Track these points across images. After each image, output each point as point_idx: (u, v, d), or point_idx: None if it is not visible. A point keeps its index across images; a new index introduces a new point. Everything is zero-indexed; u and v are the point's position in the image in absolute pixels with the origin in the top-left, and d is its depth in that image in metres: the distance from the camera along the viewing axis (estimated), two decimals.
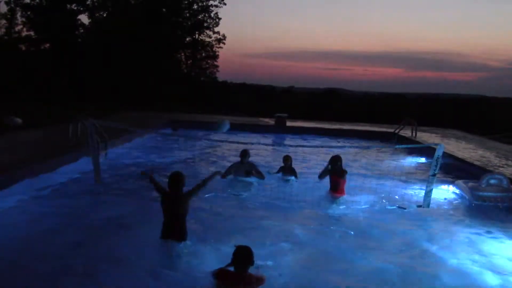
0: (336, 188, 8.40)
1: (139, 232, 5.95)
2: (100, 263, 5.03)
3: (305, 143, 15.49)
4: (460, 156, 12.29)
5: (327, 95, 39.21)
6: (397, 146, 14.13)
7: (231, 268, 4.47)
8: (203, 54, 37.65)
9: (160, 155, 12.26)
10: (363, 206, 7.93)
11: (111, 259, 5.15)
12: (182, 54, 37.83)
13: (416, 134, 16.29)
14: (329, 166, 8.50)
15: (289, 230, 6.53)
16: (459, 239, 6.51)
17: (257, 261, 4.56)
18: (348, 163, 8.76)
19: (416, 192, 8.98)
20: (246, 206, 7.78)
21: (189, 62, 38.17)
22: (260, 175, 9.30)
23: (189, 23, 36.70)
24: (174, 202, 5.56)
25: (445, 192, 9.19)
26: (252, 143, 10.65)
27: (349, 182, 8.56)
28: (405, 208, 7.88)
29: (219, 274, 4.43)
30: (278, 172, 9.80)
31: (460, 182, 9.32)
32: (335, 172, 8.38)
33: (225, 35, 36.84)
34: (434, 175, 7.85)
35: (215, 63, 37.83)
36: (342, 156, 8.62)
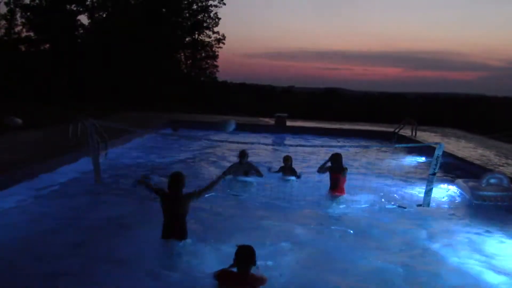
0: (336, 186, 8.40)
1: (139, 232, 5.95)
2: (100, 263, 5.03)
3: (305, 143, 15.49)
4: (460, 155, 12.30)
5: (327, 95, 39.15)
6: (397, 145, 14.15)
7: (234, 269, 4.47)
8: (203, 54, 37.64)
9: (160, 155, 12.26)
10: (363, 206, 7.93)
11: (111, 259, 5.15)
12: (182, 54, 37.82)
13: (416, 134, 16.30)
14: (330, 163, 8.49)
15: (289, 230, 6.52)
16: (459, 239, 6.50)
17: (257, 261, 4.55)
18: (348, 163, 8.76)
19: (416, 191, 8.98)
20: (246, 206, 7.78)
21: (188, 62, 38.16)
22: (259, 173, 9.33)
23: (189, 23, 36.69)
24: (174, 203, 5.55)
25: (445, 191, 9.19)
26: (252, 143, 10.65)
27: (349, 182, 8.56)
28: (405, 208, 7.88)
29: (221, 275, 4.42)
30: (278, 171, 9.80)
31: (460, 181, 9.32)
32: (335, 170, 8.37)
33: (225, 35, 36.88)
34: (434, 174, 7.85)
35: (215, 63, 37.87)
36: (342, 156, 8.62)
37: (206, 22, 36.59)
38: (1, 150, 9.85)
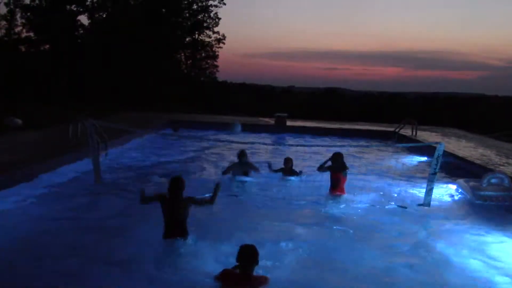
0: (336, 186, 8.38)
1: (139, 233, 5.94)
2: (100, 263, 5.02)
3: (305, 143, 15.48)
4: (460, 155, 12.28)
5: (327, 95, 39.18)
6: (397, 145, 14.14)
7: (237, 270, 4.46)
8: (203, 54, 37.61)
9: (160, 155, 12.25)
10: (364, 205, 7.91)
11: (111, 259, 5.14)
12: (182, 54, 37.81)
13: (416, 133, 16.29)
14: (330, 163, 8.47)
15: (289, 230, 6.51)
16: (460, 238, 6.49)
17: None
18: (349, 162, 8.73)
19: (417, 191, 8.96)
20: (246, 206, 7.78)
21: (189, 62, 38.15)
22: (256, 170, 9.42)
23: (189, 23, 36.67)
24: (174, 206, 5.58)
25: (446, 191, 9.18)
26: (253, 143, 10.65)
27: (350, 181, 8.55)
28: (405, 207, 7.86)
29: (224, 275, 4.41)
30: (278, 171, 9.79)
31: (461, 181, 9.30)
32: (336, 169, 8.36)
33: (225, 35, 36.87)
34: (434, 173, 7.85)
35: (215, 63, 37.84)
36: (343, 156, 8.61)
37: (206, 22, 36.58)
38: (1, 150, 9.84)
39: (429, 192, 7.92)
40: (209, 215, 6.88)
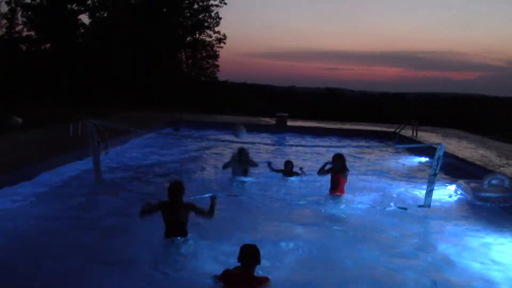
0: (336, 187, 8.37)
1: (139, 232, 5.93)
2: (100, 263, 5.02)
3: (305, 143, 15.48)
4: (461, 156, 12.28)
5: (327, 95, 39.19)
6: (397, 146, 14.13)
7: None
8: (204, 54, 37.61)
9: (161, 155, 12.26)
10: (364, 206, 7.90)
11: (111, 259, 5.14)
12: (183, 54, 37.81)
13: (417, 134, 16.28)
14: (329, 164, 8.47)
15: (289, 230, 6.51)
16: (460, 240, 6.47)
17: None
18: (349, 163, 8.73)
19: (417, 192, 8.96)
20: (246, 206, 7.78)
21: (189, 62, 38.15)
22: (256, 165, 9.47)
23: (190, 22, 36.66)
24: (174, 211, 5.59)
25: (447, 192, 9.17)
26: (253, 143, 10.64)
27: (350, 182, 8.54)
28: (406, 209, 7.84)
29: (225, 276, 4.40)
30: (278, 172, 9.79)
31: (461, 182, 9.29)
32: (337, 170, 8.35)
33: (226, 34, 36.86)
34: (435, 174, 7.83)
35: (216, 62, 37.84)
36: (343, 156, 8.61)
37: (207, 21, 36.56)
38: (1, 149, 9.84)
39: (429, 193, 7.90)
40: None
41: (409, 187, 9.47)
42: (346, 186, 8.45)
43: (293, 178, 9.62)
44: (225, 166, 9.56)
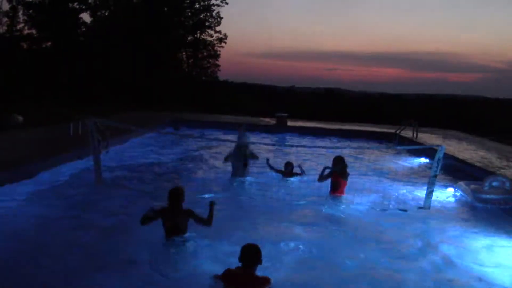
0: (336, 188, 8.38)
1: (139, 232, 5.92)
2: (100, 263, 5.02)
3: (305, 143, 15.48)
4: (461, 157, 12.28)
5: (328, 95, 39.19)
6: (397, 147, 14.14)
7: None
8: (205, 53, 37.63)
9: (161, 154, 12.26)
10: (364, 207, 7.90)
11: (111, 259, 5.14)
12: (184, 53, 37.81)
13: (417, 135, 16.28)
14: (328, 169, 8.47)
15: (289, 230, 6.51)
16: (460, 241, 6.47)
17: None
18: (349, 163, 8.73)
19: (417, 193, 8.95)
20: (246, 206, 7.77)
21: (190, 61, 38.15)
22: (256, 158, 9.51)
23: (191, 22, 36.67)
24: (173, 217, 5.59)
25: (447, 194, 9.17)
26: (253, 143, 10.63)
27: (350, 183, 8.53)
28: (406, 210, 7.83)
29: (226, 276, 4.40)
30: (278, 172, 9.80)
31: (462, 183, 9.30)
32: (337, 173, 8.35)
33: (227, 34, 36.87)
34: (435, 176, 7.84)
35: (216, 62, 37.86)
36: (343, 156, 8.61)
37: (208, 21, 36.57)
38: (2, 148, 9.84)
39: (429, 194, 7.91)
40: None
41: (409, 188, 9.47)
42: (346, 187, 8.46)
43: (293, 179, 9.63)
44: (226, 158, 9.63)
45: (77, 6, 33.04)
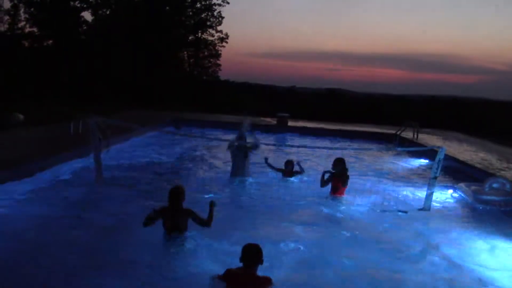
0: (336, 190, 8.40)
1: (139, 232, 5.92)
2: (100, 263, 5.02)
3: (306, 144, 15.48)
4: (461, 159, 12.28)
5: (329, 96, 39.11)
6: (399, 149, 14.13)
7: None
8: (206, 53, 37.61)
9: (162, 154, 12.27)
10: (364, 208, 7.89)
11: (111, 259, 5.14)
12: (185, 52, 37.79)
13: (417, 136, 16.28)
14: (327, 174, 8.47)
15: (289, 230, 6.51)
16: (460, 243, 6.47)
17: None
18: (349, 164, 8.74)
19: (417, 194, 8.95)
20: (246, 206, 7.78)
21: (191, 60, 38.13)
22: (255, 146, 9.42)
23: (192, 21, 36.65)
24: (173, 216, 5.60)
25: (447, 195, 9.17)
26: (254, 152, 10.64)
27: (350, 183, 8.53)
28: (406, 212, 7.82)
29: (227, 276, 4.40)
30: (278, 171, 9.80)
31: (462, 185, 9.30)
32: (337, 175, 8.35)
33: (228, 34, 36.85)
34: (435, 178, 7.83)
35: (218, 62, 37.84)
36: (343, 157, 8.61)
37: (209, 20, 36.54)
38: (2, 146, 9.84)
39: (429, 196, 7.91)
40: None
41: (409, 189, 9.46)
42: (346, 189, 8.46)
43: (293, 179, 9.63)
44: (229, 147, 9.53)
45: (79, 5, 33.02)
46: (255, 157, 10.21)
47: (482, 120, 28.59)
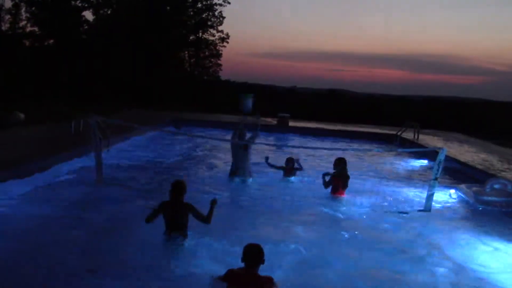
0: (336, 190, 8.40)
1: (140, 231, 5.91)
2: (100, 263, 5.01)
3: (307, 144, 15.47)
4: (462, 160, 12.26)
5: (330, 96, 39.10)
6: (400, 150, 14.11)
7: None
8: (207, 53, 37.63)
9: (162, 153, 12.27)
10: (365, 209, 7.88)
11: (110, 259, 5.13)
12: (186, 52, 37.80)
13: (418, 137, 16.27)
14: (328, 176, 8.48)
15: (289, 230, 6.50)
16: (461, 244, 6.46)
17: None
18: (350, 164, 8.73)
19: (418, 195, 8.94)
20: (246, 206, 7.77)
21: (192, 60, 38.14)
22: (255, 138, 9.40)
23: (193, 21, 36.66)
24: (174, 210, 5.60)
25: (447, 196, 9.15)
26: (254, 143, 10.63)
27: (350, 184, 8.53)
28: (406, 213, 7.81)
29: (229, 276, 4.40)
30: (279, 168, 9.79)
31: (463, 186, 9.29)
32: (337, 175, 8.35)
33: (229, 34, 36.86)
34: (436, 179, 7.82)
35: (218, 62, 37.86)
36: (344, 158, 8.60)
37: (210, 20, 36.56)
38: (3, 146, 9.84)
39: (430, 197, 7.89)
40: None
41: (410, 190, 9.46)
42: (346, 189, 8.46)
43: (293, 178, 9.63)
44: (232, 138, 9.51)
45: (80, 4, 33.06)
46: (255, 157, 10.22)
47: (483, 120, 28.59)
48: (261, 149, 11.14)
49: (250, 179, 9.29)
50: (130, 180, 8.94)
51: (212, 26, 36.62)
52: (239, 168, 9.27)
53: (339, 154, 8.92)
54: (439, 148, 8.04)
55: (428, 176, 9.47)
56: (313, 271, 5.24)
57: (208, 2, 35.96)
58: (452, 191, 9.41)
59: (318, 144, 15.46)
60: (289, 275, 4.99)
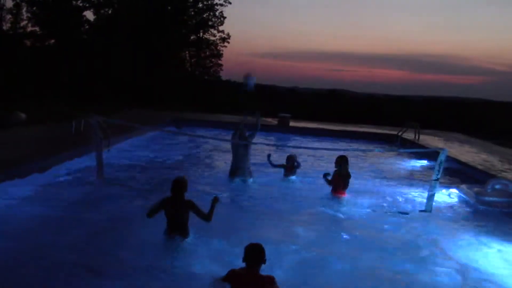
0: (336, 189, 8.40)
1: (140, 231, 5.92)
2: (100, 262, 5.00)
3: (307, 145, 15.46)
4: (463, 160, 12.25)
5: (330, 96, 39.10)
6: (400, 150, 14.10)
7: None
8: (207, 53, 37.62)
9: (163, 153, 12.26)
10: (365, 210, 7.87)
11: (111, 258, 5.12)
12: (186, 52, 37.80)
13: (419, 137, 16.25)
14: (329, 176, 8.47)
15: (289, 230, 6.50)
16: (462, 244, 6.45)
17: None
18: (351, 165, 8.72)
19: (418, 195, 8.93)
20: (246, 206, 7.77)
21: (193, 60, 38.14)
22: (255, 131, 9.46)
23: (194, 21, 36.66)
24: (175, 207, 5.60)
25: (448, 196, 9.14)
26: (255, 143, 10.62)
27: (351, 185, 8.53)
28: (407, 214, 7.80)
29: (231, 276, 4.39)
30: (279, 166, 9.77)
31: (464, 186, 9.28)
32: (339, 174, 8.35)
33: (230, 34, 36.85)
34: (437, 179, 7.81)
35: (219, 62, 37.85)
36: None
37: (211, 20, 36.55)
38: (4, 145, 9.84)
39: (430, 197, 7.88)
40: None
41: (410, 191, 9.45)
42: (347, 189, 8.45)
43: (294, 178, 9.63)
44: (232, 138, 9.50)
45: (81, 4, 33.07)
46: (255, 157, 10.21)
47: (483, 120, 28.57)
48: (261, 149, 11.12)
49: (250, 179, 9.28)
50: (130, 180, 8.94)
51: (213, 26, 36.62)
52: (239, 168, 9.26)
53: (340, 153, 8.90)
54: (440, 149, 8.03)
55: (428, 176, 9.45)
56: (313, 271, 5.23)
57: (209, 2, 35.95)
58: (453, 191, 9.41)
59: (318, 144, 15.44)
60: (289, 275, 4.98)
